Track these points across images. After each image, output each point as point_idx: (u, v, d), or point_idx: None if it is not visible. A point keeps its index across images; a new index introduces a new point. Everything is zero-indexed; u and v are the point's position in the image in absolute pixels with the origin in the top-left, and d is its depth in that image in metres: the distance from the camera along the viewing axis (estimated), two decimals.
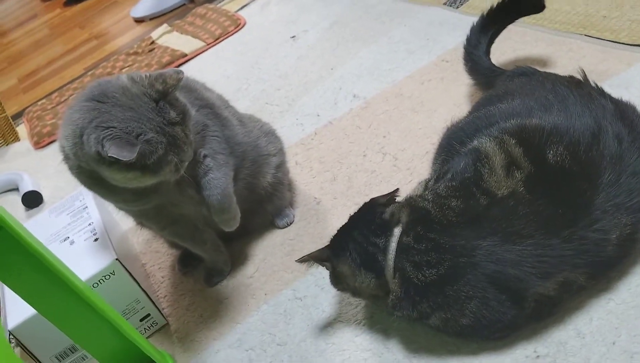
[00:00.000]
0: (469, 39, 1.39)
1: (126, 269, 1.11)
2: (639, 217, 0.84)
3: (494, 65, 1.34)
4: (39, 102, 2.49)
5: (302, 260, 0.98)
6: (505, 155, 0.89)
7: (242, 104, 1.77)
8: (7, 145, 2.23)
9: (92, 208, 1.27)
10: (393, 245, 0.89)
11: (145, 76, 0.96)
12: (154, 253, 1.39)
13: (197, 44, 2.37)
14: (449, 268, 0.84)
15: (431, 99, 1.48)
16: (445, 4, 1.87)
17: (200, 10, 2.67)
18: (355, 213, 0.99)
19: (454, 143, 1.05)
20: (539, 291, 0.83)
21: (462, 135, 1.04)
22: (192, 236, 1.20)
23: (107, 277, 1.10)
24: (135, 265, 1.27)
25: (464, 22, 1.70)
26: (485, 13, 1.38)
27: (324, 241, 1.21)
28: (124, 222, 1.42)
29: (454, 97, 1.45)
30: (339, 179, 1.37)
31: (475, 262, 0.83)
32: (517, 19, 1.41)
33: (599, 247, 0.82)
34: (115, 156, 0.87)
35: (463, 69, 1.41)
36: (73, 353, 1.11)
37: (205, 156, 1.09)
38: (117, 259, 1.10)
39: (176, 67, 2.25)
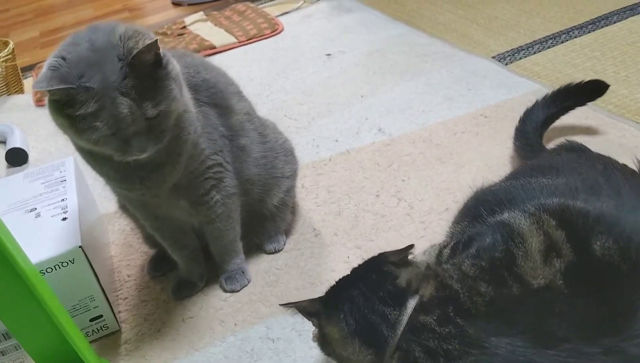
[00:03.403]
0: (522, 120, 1.28)
1: (88, 260, 0.98)
2: None
3: (543, 146, 1.22)
4: None
5: (286, 305, 0.83)
6: (544, 238, 0.76)
7: (260, 110, 1.64)
8: (8, 95, 2.11)
9: (70, 182, 1.15)
10: (405, 319, 0.75)
11: (134, 30, 0.83)
12: (126, 246, 1.26)
13: (229, 39, 2.27)
14: None
15: (461, 153, 1.36)
16: (493, 57, 1.76)
17: (240, 7, 2.58)
18: (359, 267, 0.84)
19: (481, 209, 0.91)
20: None
21: (492, 203, 0.91)
22: (175, 237, 1.08)
23: (65, 264, 0.97)
24: (101, 256, 1.14)
25: (510, 81, 1.60)
26: (545, 97, 1.29)
27: (313, 279, 1.09)
28: (104, 205, 1.30)
29: (487, 157, 1.32)
30: (345, 214, 1.24)
31: None
32: (579, 105, 1.30)
33: None
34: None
35: (513, 144, 1.30)
36: (6, 340, 0.97)
37: (216, 202, 1.00)
38: (80, 246, 0.97)
39: (203, 57, 2.15)
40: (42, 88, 0.77)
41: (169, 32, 2.45)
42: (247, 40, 2.25)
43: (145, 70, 0.81)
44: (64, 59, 0.80)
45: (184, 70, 0.98)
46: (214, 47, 2.21)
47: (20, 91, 2.16)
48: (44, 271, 0.96)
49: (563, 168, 0.95)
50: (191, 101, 0.95)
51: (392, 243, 1.14)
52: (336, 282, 0.85)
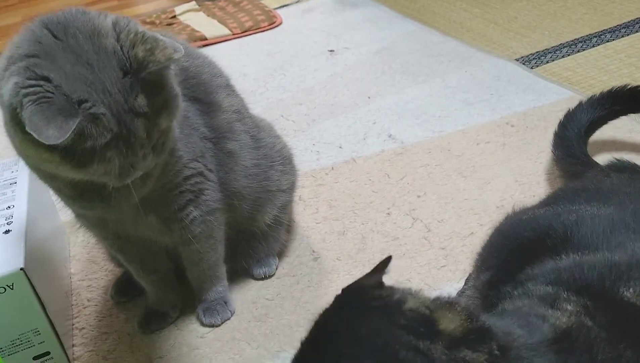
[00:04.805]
0: (563, 124, 1.11)
1: (32, 286, 0.79)
2: None
3: (588, 155, 1.04)
4: None
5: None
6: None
7: (253, 109, 1.45)
8: None
9: (21, 186, 0.95)
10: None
11: (134, 30, 0.64)
12: (89, 262, 1.06)
13: (222, 30, 2.08)
14: None
15: (486, 166, 1.17)
16: (517, 60, 1.58)
17: None
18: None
19: (508, 254, 0.72)
20: None
21: (521, 241, 0.71)
22: (142, 259, 0.89)
23: (2, 290, 0.77)
24: (55, 276, 0.95)
25: (538, 86, 1.42)
26: (592, 97, 1.12)
27: (311, 315, 0.90)
28: (66, 211, 1.10)
29: (516, 172, 1.14)
30: (350, 235, 1.05)
31: None
32: (633, 112, 1.14)
33: None
34: (33, 134, 0.56)
35: (553, 155, 1.12)
36: None
37: (194, 219, 0.81)
38: (22, 269, 0.77)
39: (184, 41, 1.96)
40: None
41: (157, 21, 2.26)
42: (242, 32, 2.06)
43: (156, 77, 0.64)
44: (48, 80, 0.59)
45: None
46: (205, 39, 2.02)
47: None
48: None
49: (613, 193, 0.77)
50: None
51: (405, 272, 0.95)
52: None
